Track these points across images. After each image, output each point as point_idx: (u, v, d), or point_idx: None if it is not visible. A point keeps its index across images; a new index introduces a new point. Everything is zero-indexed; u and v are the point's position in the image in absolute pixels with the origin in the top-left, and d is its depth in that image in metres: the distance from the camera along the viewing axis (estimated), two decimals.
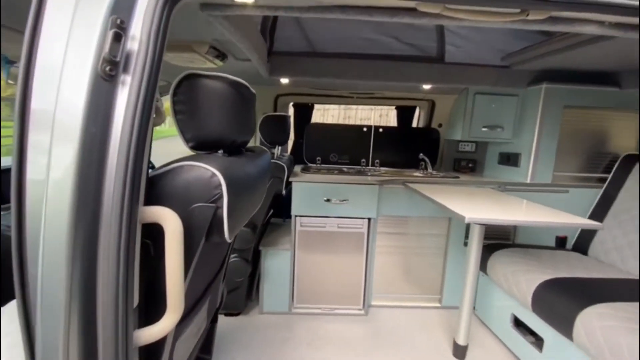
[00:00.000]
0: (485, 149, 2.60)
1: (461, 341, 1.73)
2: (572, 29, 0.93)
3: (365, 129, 2.59)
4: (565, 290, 1.48)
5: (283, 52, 2.03)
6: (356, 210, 2.02)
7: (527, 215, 1.43)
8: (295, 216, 2.02)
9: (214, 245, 0.90)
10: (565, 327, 1.39)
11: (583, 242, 2.07)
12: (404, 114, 2.73)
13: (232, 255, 1.78)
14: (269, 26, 1.84)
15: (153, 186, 0.65)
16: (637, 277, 1.67)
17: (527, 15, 0.72)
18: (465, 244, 2.17)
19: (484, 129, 2.24)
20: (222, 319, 1.97)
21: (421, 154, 2.48)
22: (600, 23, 0.90)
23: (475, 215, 1.29)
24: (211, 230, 0.70)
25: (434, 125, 2.59)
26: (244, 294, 2.01)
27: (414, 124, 2.84)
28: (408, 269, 2.23)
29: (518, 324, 1.77)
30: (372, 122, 2.54)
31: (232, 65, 1.76)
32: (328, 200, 1.99)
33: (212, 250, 0.93)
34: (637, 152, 2.05)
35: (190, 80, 0.73)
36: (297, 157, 2.61)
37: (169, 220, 0.61)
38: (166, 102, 1.00)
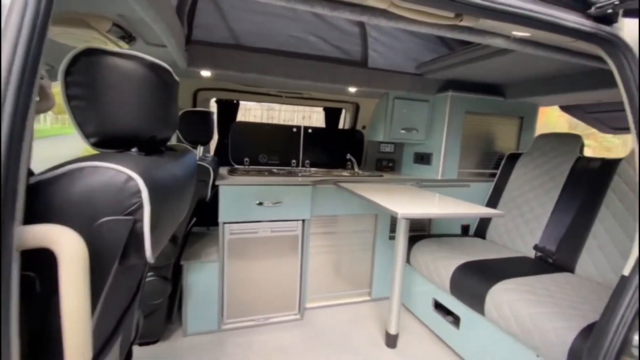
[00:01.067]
0: (402, 150, 2.84)
1: (392, 330, 1.83)
2: (484, 40, 1.06)
3: (294, 129, 2.54)
4: (476, 272, 1.69)
5: (203, 42, 1.83)
6: (290, 212, 1.96)
7: (446, 207, 1.58)
8: (224, 223, 1.84)
9: (128, 267, 0.73)
10: (478, 304, 1.58)
11: (482, 229, 2.43)
12: (331, 115, 2.78)
13: (147, 275, 1.52)
14: (186, 11, 1.63)
15: (38, 197, 0.47)
16: (525, 254, 2.02)
17: (461, 20, 0.78)
18: (391, 238, 2.32)
19: (402, 131, 2.43)
20: (137, 350, 1.67)
21: (348, 155, 2.56)
22: (507, 37, 1.04)
23: (406, 210, 1.36)
24: (127, 251, 0.54)
25: (359, 127, 2.71)
26: (163, 317, 1.74)
27: (340, 126, 2.92)
28: (340, 266, 2.27)
29: (438, 306, 1.96)
30: (297, 124, 2.51)
31: (141, 51, 1.49)
32: (260, 203, 1.88)
33: (125, 274, 0.75)
34: (517, 152, 2.51)
35: (92, 57, 0.56)
36: (222, 158, 2.41)
37: (65, 244, 0.45)
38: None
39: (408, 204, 1.61)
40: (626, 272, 0.83)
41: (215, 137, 2.56)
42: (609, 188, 1.79)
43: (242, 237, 1.89)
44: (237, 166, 2.45)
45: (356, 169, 2.59)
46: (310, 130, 2.57)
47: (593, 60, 1.32)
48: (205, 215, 2.27)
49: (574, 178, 1.99)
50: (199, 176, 1.63)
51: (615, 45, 0.87)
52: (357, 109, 2.68)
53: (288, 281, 2.04)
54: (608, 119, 3.10)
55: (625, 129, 3.08)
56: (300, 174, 2.25)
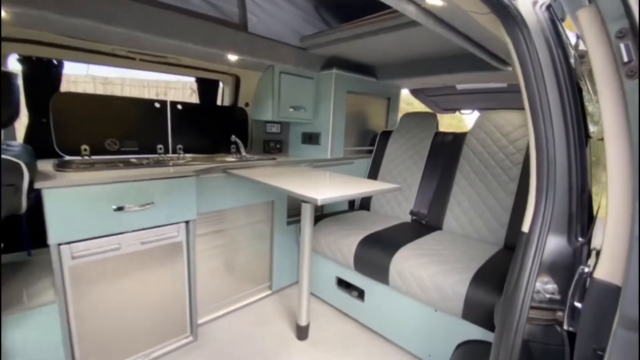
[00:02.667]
0: (288, 130, 2.69)
1: (303, 322, 1.73)
2: (399, 5, 0.99)
3: (158, 105, 1.97)
4: (375, 245, 1.77)
5: None
6: (168, 214, 1.51)
7: (353, 187, 1.54)
8: (59, 245, 1.23)
9: None
10: (382, 275, 1.66)
11: (366, 202, 2.61)
12: (206, 89, 2.31)
13: None
14: None
15: None
16: (404, 220, 2.28)
17: None
18: (289, 223, 2.18)
19: (290, 110, 2.27)
20: None
21: (233, 136, 2.21)
22: (418, 6, 1.00)
23: (323, 195, 1.22)
24: None
25: (241, 104, 2.38)
26: None
27: (219, 102, 2.49)
28: (235, 265, 1.98)
29: (342, 284, 1.99)
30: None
31: None
32: (120, 208, 1.35)
33: None
34: (388, 129, 2.78)
35: None
36: (38, 146, 1.61)
37: None
38: None
39: (315, 187, 1.48)
40: (525, 228, 0.92)
41: (25, 115, 1.72)
42: (460, 156, 2.18)
43: (94, 259, 1.32)
44: (69, 157, 1.72)
45: (243, 153, 2.28)
46: (180, 107, 2.06)
47: (477, 48, 1.49)
48: (22, 234, 1.51)
49: (434, 150, 2.35)
50: (3, 178, 1.00)
51: (515, 21, 0.94)
52: (237, 82, 2.32)
53: (172, 300, 1.61)
54: (440, 101, 3.84)
55: (450, 110, 3.92)
56: (172, 163, 1.78)
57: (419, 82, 2.69)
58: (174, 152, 2.06)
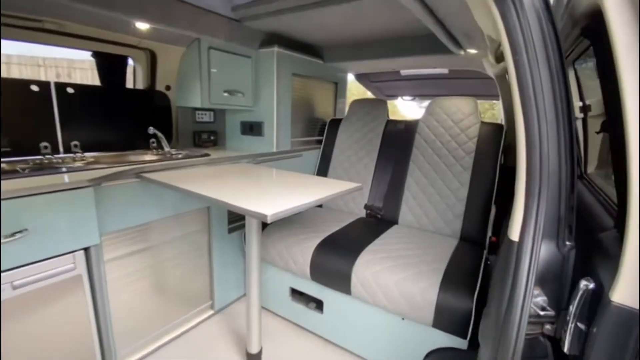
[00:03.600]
0: (223, 118, 2.31)
1: (254, 348, 1.47)
2: None
3: (36, 88, 1.43)
4: (332, 251, 1.56)
5: None
6: (52, 242, 1.08)
7: (309, 191, 1.29)
8: None
9: None
10: (343, 285, 1.47)
11: None
12: (109, 67, 1.78)
13: None
14: None
15: None
16: (359, 215, 2.12)
17: None
18: (230, 231, 1.86)
19: (225, 94, 1.90)
20: None
21: (152, 128, 1.77)
22: None
23: (275, 209, 0.95)
24: None
25: (160, 87, 1.91)
26: None
27: (130, 85, 1.98)
28: (167, 288, 1.61)
29: (297, 295, 1.76)
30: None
31: None
32: None
33: None
34: (337, 117, 2.57)
35: None
36: None
37: None
38: None
39: (262, 193, 1.20)
40: (514, 236, 0.77)
41: None
42: (413, 146, 2.08)
43: None
44: None
45: (166, 148, 1.85)
46: (71, 90, 1.54)
47: (438, 25, 1.30)
48: None
49: (387, 139, 2.21)
50: None
51: None
52: (153, 59, 1.85)
53: (75, 349, 1.20)
54: (384, 87, 3.77)
55: (393, 96, 3.89)
56: (64, 167, 1.32)
57: (367, 65, 2.52)
58: (68, 150, 1.56)
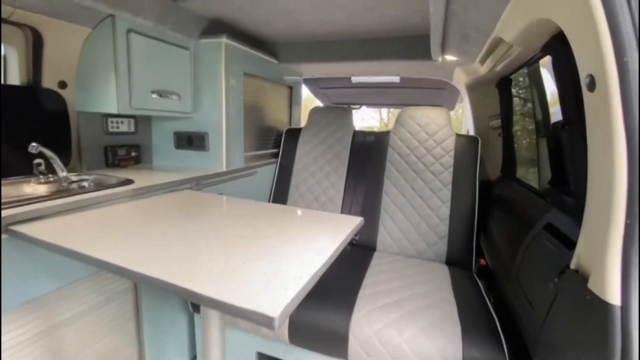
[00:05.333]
0: (149, 127, 1.76)
1: None
2: None
3: None
4: (319, 302, 1.21)
5: None
6: None
7: (290, 234, 0.92)
8: None
9: None
10: (338, 348, 1.13)
11: None
12: None
13: None
14: None
15: None
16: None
17: None
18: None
19: (153, 96, 1.40)
20: None
21: (35, 145, 1.16)
22: None
23: (279, 302, 0.56)
24: None
25: (49, 83, 1.30)
26: None
27: None
28: None
29: None
30: None
31: None
32: None
33: None
34: (295, 127, 2.22)
35: None
36: None
37: None
38: None
39: (231, 253, 0.79)
40: (611, 297, 0.55)
41: None
42: (386, 160, 1.86)
43: None
44: None
45: (62, 173, 1.25)
46: None
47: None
48: None
49: (356, 152, 1.96)
50: None
51: None
52: (37, 42, 1.24)
53: None
54: (332, 94, 3.57)
55: (342, 104, 3.71)
56: None
57: (324, 69, 2.24)
58: None
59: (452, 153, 1.75)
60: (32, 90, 1.26)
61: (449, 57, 1.62)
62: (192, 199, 1.21)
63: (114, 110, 1.28)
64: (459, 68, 1.80)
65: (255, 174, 1.90)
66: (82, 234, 0.79)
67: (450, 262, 1.63)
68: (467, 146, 1.76)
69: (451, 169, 1.73)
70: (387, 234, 1.76)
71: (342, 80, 2.83)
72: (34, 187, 1.24)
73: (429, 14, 1.07)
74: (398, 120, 1.90)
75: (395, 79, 2.60)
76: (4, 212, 0.80)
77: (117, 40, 1.23)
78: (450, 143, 1.77)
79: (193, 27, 1.48)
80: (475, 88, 1.85)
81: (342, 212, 1.87)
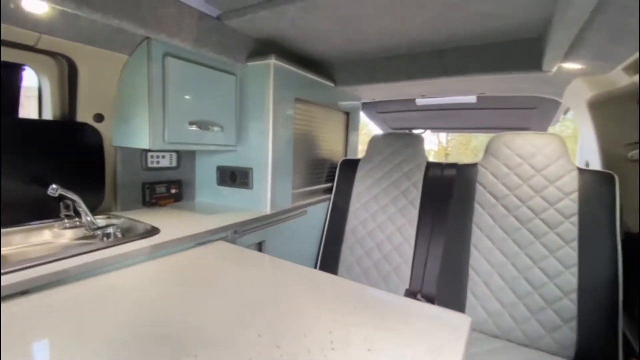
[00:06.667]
0: (192, 161, 1.59)
1: None
2: None
3: None
4: None
5: None
6: None
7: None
8: None
9: None
10: None
11: (325, 266, 1.65)
12: None
13: None
14: None
15: None
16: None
17: None
18: None
19: (191, 128, 1.20)
20: None
21: (55, 187, 1.01)
22: None
23: None
24: None
25: (83, 116, 1.18)
26: None
27: (30, 113, 1.24)
28: None
29: None
30: None
31: None
32: None
33: None
34: (352, 157, 1.91)
35: None
36: None
37: None
38: None
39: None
40: None
41: None
42: (474, 201, 1.41)
43: None
44: None
45: (87, 217, 1.09)
46: None
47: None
48: None
49: (430, 191, 1.55)
50: None
51: None
52: (72, 72, 1.13)
53: None
54: (391, 119, 3.20)
55: (400, 129, 3.33)
56: None
57: (389, 90, 1.91)
58: None
59: (575, 195, 1.25)
60: (65, 125, 1.14)
61: (570, 66, 1.18)
62: (223, 258, 0.93)
63: (146, 146, 1.10)
64: (579, 80, 1.32)
65: (305, 214, 1.60)
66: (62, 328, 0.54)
67: (582, 358, 1.10)
68: (597, 186, 1.24)
69: (575, 219, 1.23)
70: (480, 305, 1.29)
71: (404, 103, 2.48)
72: (57, 233, 1.09)
73: (550, 8, 0.69)
74: (489, 150, 1.46)
75: (472, 99, 2.17)
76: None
77: (152, 66, 1.06)
78: (571, 181, 1.27)
79: (238, 48, 1.29)
80: (604, 106, 1.34)
81: (413, 267, 1.45)
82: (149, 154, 1.38)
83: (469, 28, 1.20)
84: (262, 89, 1.33)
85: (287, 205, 1.48)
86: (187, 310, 0.62)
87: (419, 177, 1.58)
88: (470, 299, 1.30)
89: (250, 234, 1.25)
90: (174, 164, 1.50)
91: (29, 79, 1.11)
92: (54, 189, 1.00)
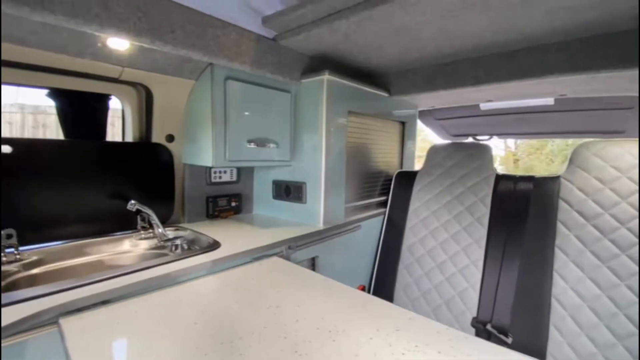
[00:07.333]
0: (251, 175, 1.66)
1: None
2: None
3: None
4: None
5: None
6: None
7: None
8: None
9: None
10: None
11: (382, 291, 1.57)
12: (77, 111, 1.17)
13: None
14: None
15: None
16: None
17: None
18: None
19: (250, 146, 1.25)
20: None
21: (133, 202, 1.13)
22: None
23: None
24: None
25: (157, 137, 1.31)
26: None
27: (114, 136, 1.42)
28: None
29: None
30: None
31: None
32: None
33: None
34: (408, 169, 1.82)
35: None
36: None
37: None
38: None
39: None
40: None
41: None
42: (556, 221, 1.22)
43: None
44: None
45: (159, 229, 1.19)
46: (8, 149, 0.97)
47: None
48: None
49: (501, 207, 1.38)
50: None
51: None
52: (148, 99, 1.27)
53: None
54: (451, 125, 2.98)
55: (462, 136, 3.08)
56: None
57: (449, 97, 1.78)
58: None
59: None
60: (142, 145, 1.28)
61: None
62: (278, 274, 0.94)
63: (209, 164, 1.18)
64: None
65: (358, 230, 1.55)
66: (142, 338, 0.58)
67: None
68: None
69: None
70: (567, 343, 1.10)
71: (466, 108, 2.29)
72: (134, 243, 1.21)
73: None
74: (574, 161, 1.26)
75: (548, 101, 1.92)
76: (58, 297, 0.67)
77: (215, 90, 1.13)
78: None
79: (293, 66, 1.32)
80: None
81: (481, 292, 1.30)
82: (212, 169, 1.47)
83: (548, 25, 1.05)
84: (315, 105, 1.34)
85: (340, 220, 1.45)
86: (243, 325, 0.62)
87: (486, 192, 1.43)
88: (553, 335, 1.12)
89: (303, 249, 1.24)
90: (235, 178, 1.58)
91: (115, 103, 1.27)
92: (132, 204, 1.12)
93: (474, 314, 1.29)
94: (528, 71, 1.27)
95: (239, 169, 1.59)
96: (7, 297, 0.67)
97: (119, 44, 0.93)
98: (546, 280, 1.17)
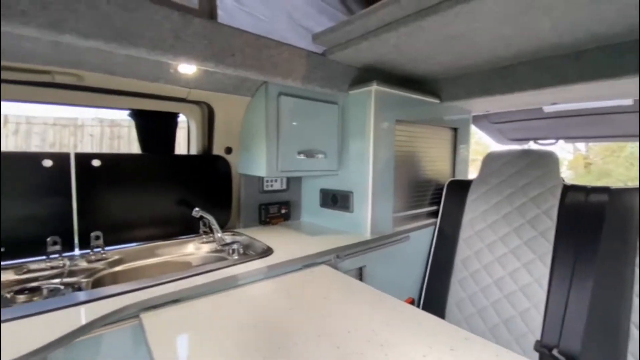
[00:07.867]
0: (299, 184, 1.72)
1: None
2: None
3: (48, 163, 1.05)
4: None
5: None
6: None
7: None
8: None
9: None
10: None
11: (433, 306, 1.51)
12: (152, 128, 1.35)
13: None
14: None
15: None
16: None
17: None
18: None
19: (299, 157, 1.30)
20: None
21: (197, 209, 1.25)
22: None
23: None
24: None
25: (217, 149, 1.43)
26: None
27: (181, 149, 1.57)
28: None
29: None
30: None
31: None
32: None
33: None
34: (461, 179, 1.74)
35: None
36: None
37: None
38: None
39: None
40: None
41: None
42: (637, 238, 1.08)
43: None
44: None
45: (218, 234, 1.29)
46: (97, 163, 1.14)
47: None
48: None
49: (569, 221, 1.26)
50: None
51: None
52: (210, 115, 1.40)
53: None
54: (508, 129, 2.77)
55: (521, 140, 2.85)
56: (65, 277, 0.83)
57: (507, 101, 1.67)
58: (85, 245, 1.11)
59: None
60: (205, 157, 1.40)
61: None
62: (328, 282, 0.96)
63: (263, 175, 1.25)
64: None
65: (407, 240, 1.52)
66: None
67: None
68: None
69: None
70: None
71: (526, 111, 2.12)
72: (197, 246, 1.32)
73: None
74: None
75: (627, 102, 1.71)
76: (140, 295, 0.77)
77: (268, 105, 1.21)
78: None
79: (342, 79, 1.35)
80: None
81: (546, 314, 1.19)
82: (265, 178, 1.56)
83: (624, 21, 0.95)
84: (363, 115, 1.35)
85: (388, 230, 1.43)
86: (298, 331, 0.65)
87: (552, 204, 1.31)
88: None
89: (351, 258, 1.25)
90: (284, 186, 1.66)
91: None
92: (196, 211, 1.24)
93: (538, 337, 1.18)
94: (598, 72, 1.15)
95: (288, 178, 1.66)
96: (98, 292, 0.79)
97: (187, 68, 1.04)
98: (624, 303, 1.04)
